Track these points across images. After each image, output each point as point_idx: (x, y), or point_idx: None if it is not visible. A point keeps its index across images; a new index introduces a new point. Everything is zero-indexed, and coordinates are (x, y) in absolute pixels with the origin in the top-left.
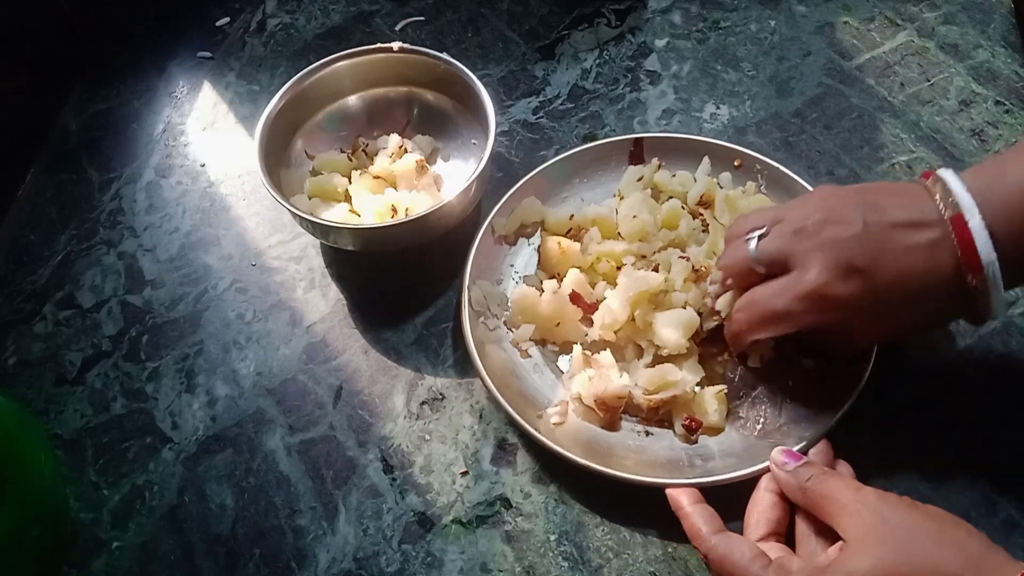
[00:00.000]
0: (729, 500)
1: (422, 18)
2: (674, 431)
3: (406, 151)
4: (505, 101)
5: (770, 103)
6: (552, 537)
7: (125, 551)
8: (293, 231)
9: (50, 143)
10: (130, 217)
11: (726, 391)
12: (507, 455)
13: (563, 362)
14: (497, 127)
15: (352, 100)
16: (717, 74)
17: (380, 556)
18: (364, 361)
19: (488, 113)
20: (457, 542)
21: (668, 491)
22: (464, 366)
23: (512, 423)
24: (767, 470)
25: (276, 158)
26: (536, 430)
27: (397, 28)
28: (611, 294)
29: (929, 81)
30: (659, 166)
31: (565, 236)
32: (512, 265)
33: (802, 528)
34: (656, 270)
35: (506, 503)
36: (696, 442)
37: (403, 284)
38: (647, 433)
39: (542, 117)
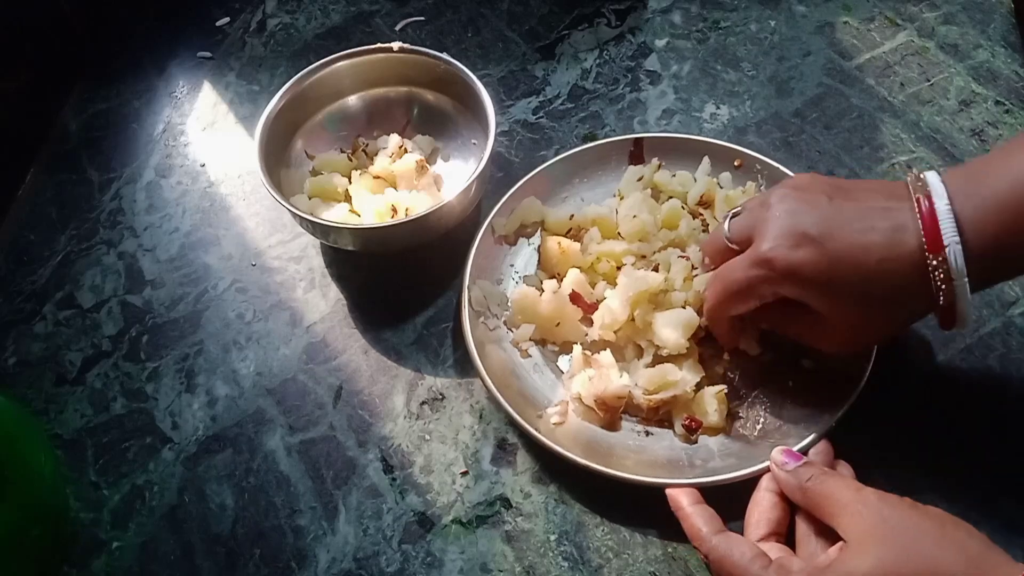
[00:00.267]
0: (729, 500)
1: (422, 18)
2: (674, 431)
3: (406, 151)
4: (505, 101)
5: (770, 103)
6: (552, 537)
7: (125, 551)
8: (293, 231)
9: (50, 143)
10: (130, 217)
11: (726, 391)
12: (507, 455)
13: (563, 362)
14: (497, 127)
15: (352, 100)
16: (717, 74)
17: (380, 556)
18: (364, 361)
19: (488, 113)
20: (457, 542)
21: (668, 491)
22: (464, 366)
23: (512, 423)
24: (767, 470)
25: (276, 158)
26: (536, 430)
27: (397, 28)
28: (611, 294)
29: (929, 81)
30: (659, 166)
31: (565, 236)
32: (512, 265)
33: (802, 528)
34: (656, 270)
35: (506, 503)
36: (696, 442)
37: (403, 284)
38: (647, 433)
39: (542, 117)
